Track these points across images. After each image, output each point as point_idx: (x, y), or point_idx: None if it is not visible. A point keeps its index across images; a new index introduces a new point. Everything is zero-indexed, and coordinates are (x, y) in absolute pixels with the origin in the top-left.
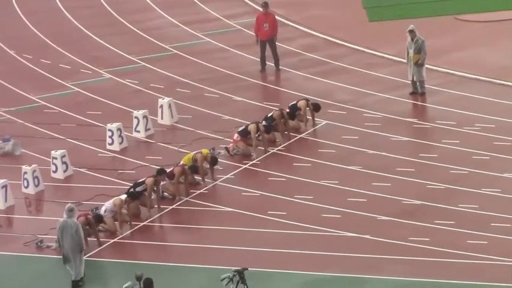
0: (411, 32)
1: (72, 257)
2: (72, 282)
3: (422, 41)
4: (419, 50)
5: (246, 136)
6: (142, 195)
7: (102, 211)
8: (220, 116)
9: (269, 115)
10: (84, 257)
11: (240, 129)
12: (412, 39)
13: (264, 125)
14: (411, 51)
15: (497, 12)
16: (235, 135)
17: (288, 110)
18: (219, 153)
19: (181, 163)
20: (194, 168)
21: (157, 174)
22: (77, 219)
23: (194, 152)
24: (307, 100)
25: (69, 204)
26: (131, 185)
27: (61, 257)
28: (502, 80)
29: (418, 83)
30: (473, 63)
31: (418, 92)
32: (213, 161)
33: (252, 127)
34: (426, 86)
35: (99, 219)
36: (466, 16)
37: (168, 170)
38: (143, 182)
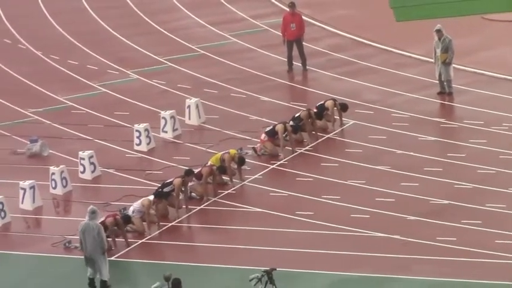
0: (438, 31)
1: (95, 259)
2: (101, 282)
3: (449, 40)
4: (446, 49)
5: (273, 136)
6: (170, 196)
7: (130, 212)
8: (248, 116)
9: (296, 115)
10: (113, 258)
11: (268, 129)
12: (439, 39)
13: (291, 125)
14: (438, 51)
15: None
16: (263, 136)
17: (315, 110)
18: (247, 153)
19: (209, 163)
20: (222, 168)
21: (186, 175)
22: (106, 219)
23: (222, 153)
24: (334, 100)
25: (91, 207)
26: (159, 185)
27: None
28: None
29: (445, 83)
30: (501, 62)
31: (445, 91)
32: (241, 161)
33: (279, 127)
34: (454, 85)
35: (127, 219)
36: (493, 15)
37: (196, 171)
38: (171, 183)
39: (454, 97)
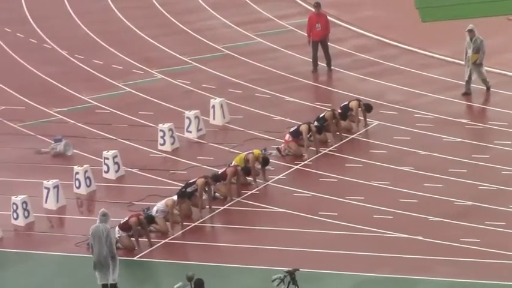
0: (470, 31)
1: (103, 263)
2: (110, 285)
3: (481, 41)
4: (477, 49)
5: (297, 137)
6: (193, 196)
7: (153, 212)
8: (272, 116)
9: (321, 116)
10: (136, 258)
11: (292, 129)
12: (471, 39)
13: (315, 126)
14: (470, 51)
15: None
16: (287, 136)
17: (339, 111)
18: (271, 153)
19: (233, 164)
20: (246, 170)
21: (211, 179)
22: (129, 219)
23: (246, 153)
24: (359, 101)
25: (102, 209)
26: (183, 185)
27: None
28: None
29: (482, 82)
30: None
31: (470, 93)
32: (265, 161)
33: (303, 128)
34: (478, 86)
35: (150, 219)
36: None
37: (220, 171)
38: (194, 182)
39: (478, 98)
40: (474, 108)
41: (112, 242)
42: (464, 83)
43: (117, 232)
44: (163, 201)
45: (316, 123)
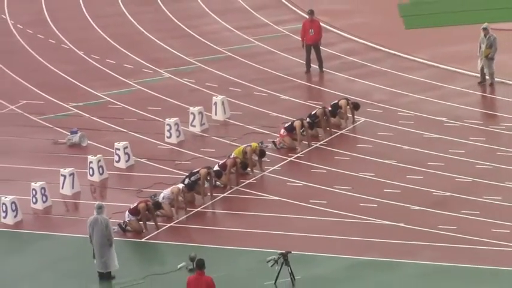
0: (484, 29)
1: (100, 252)
2: (104, 274)
3: (494, 38)
4: (490, 45)
5: (291, 131)
6: (197, 184)
7: (160, 198)
8: (269, 113)
9: (313, 113)
10: (143, 239)
11: (286, 125)
12: (485, 36)
13: (308, 122)
14: (483, 46)
15: None
16: (282, 131)
17: (330, 108)
18: (267, 146)
19: (232, 155)
20: (244, 164)
21: (215, 175)
22: (138, 205)
23: (244, 145)
24: (347, 99)
25: (98, 202)
26: (187, 174)
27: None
28: None
29: (488, 74)
30: (501, 67)
31: (486, 82)
32: (261, 153)
33: (297, 123)
34: (458, 88)
35: (157, 205)
36: (495, 25)
37: (220, 162)
38: (197, 172)
39: (456, 98)
40: (451, 107)
41: (111, 231)
42: (479, 75)
43: (126, 216)
44: (169, 189)
45: (308, 119)
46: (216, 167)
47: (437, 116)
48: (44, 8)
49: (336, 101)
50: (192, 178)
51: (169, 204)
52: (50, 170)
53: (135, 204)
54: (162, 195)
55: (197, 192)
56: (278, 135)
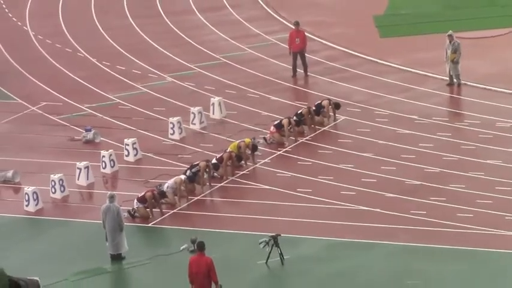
0: (450, 36)
1: (114, 235)
2: (115, 255)
3: (458, 43)
4: (455, 50)
5: (280, 128)
6: (197, 176)
7: (164, 187)
8: (260, 112)
9: (299, 111)
10: (150, 225)
11: (276, 122)
12: (450, 42)
13: (295, 120)
14: (449, 51)
15: (487, 30)
16: (272, 128)
17: (314, 108)
18: (259, 142)
19: (228, 150)
20: (239, 158)
21: (212, 167)
22: (145, 194)
23: (238, 141)
24: (329, 100)
25: (110, 192)
26: (188, 166)
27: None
28: (485, 84)
29: (454, 77)
30: (469, 71)
31: (453, 83)
32: (254, 148)
33: (285, 121)
34: (427, 89)
35: (162, 194)
36: (460, 33)
37: (218, 155)
38: (197, 165)
39: (426, 98)
40: (421, 107)
41: (122, 217)
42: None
43: (135, 203)
44: (173, 180)
45: (295, 117)
46: (214, 160)
47: (409, 114)
48: (61, 21)
49: (319, 102)
50: (193, 170)
51: (172, 193)
52: (67, 164)
53: (143, 193)
54: (166, 184)
55: (197, 183)
56: (268, 131)
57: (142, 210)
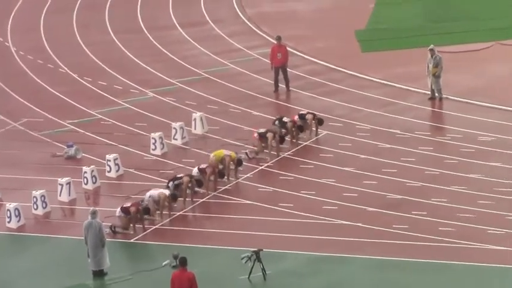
0: (431, 50)
1: (94, 252)
2: (97, 271)
3: (439, 58)
4: (437, 64)
5: (263, 138)
6: (179, 188)
7: (146, 196)
8: (242, 127)
9: (283, 119)
10: (132, 240)
11: (261, 131)
12: (432, 56)
13: (279, 136)
14: (431, 65)
15: (463, 44)
16: (256, 134)
17: (298, 122)
18: (241, 156)
19: (211, 155)
20: (221, 174)
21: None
22: (130, 207)
23: (225, 152)
24: (314, 115)
25: (92, 208)
26: (171, 178)
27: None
28: (467, 98)
29: (436, 91)
30: (448, 86)
31: (435, 97)
32: (239, 162)
33: (270, 136)
34: (407, 104)
35: (146, 211)
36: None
37: (202, 166)
38: (180, 178)
39: (407, 112)
40: (403, 121)
41: (103, 233)
42: (429, 92)
43: (117, 212)
44: (157, 192)
45: (277, 122)
46: (196, 170)
47: (391, 128)
48: (43, 37)
49: (304, 113)
50: (175, 182)
51: (153, 204)
52: (49, 180)
53: (128, 205)
54: (148, 193)
55: (179, 196)
56: (251, 147)
57: (124, 219)
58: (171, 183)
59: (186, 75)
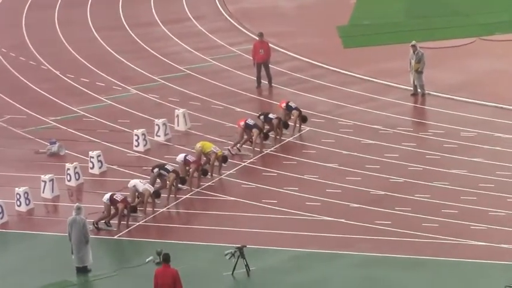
0: (413, 46)
1: (77, 248)
2: (81, 268)
3: (422, 53)
4: (419, 60)
5: (249, 129)
6: (162, 177)
7: (130, 184)
8: (224, 123)
9: (269, 115)
10: (115, 237)
11: (249, 122)
12: (414, 52)
13: (264, 133)
14: (413, 61)
15: (445, 40)
16: (242, 123)
17: (285, 105)
18: (224, 153)
19: (198, 145)
20: (205, 172)
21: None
22: (118, 203)
23: (213, 147)
24: (300, 111)
25: (77, 204)
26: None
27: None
28: (450, 94)
29: (418, 87)
30: (431, 81)
31: (417, 93)
32: (225, 159)
33: (255, 132)
34: (394, 100)
35: (133, 210)
36: (421, 43)
37: (187, 156)
38: (168, 171)
39: (389, 108)
40: (385, 117)
41: (87, 230)
42: (412, 88)
43: (105, 198)
44: (141, 187)
45: (262, 117)
46: (182, 157)
47: (374, 124)
48: (25, 34)
49: (293, 106)
50: (161, 171)
51: (135, 192)
52: (32, 177)
53: (118, 198)
54: (133, 183)
55: (163, 184)
56: (232, 142)
57: (107, 207)
58: (156, 170)
59: (169, 72)
